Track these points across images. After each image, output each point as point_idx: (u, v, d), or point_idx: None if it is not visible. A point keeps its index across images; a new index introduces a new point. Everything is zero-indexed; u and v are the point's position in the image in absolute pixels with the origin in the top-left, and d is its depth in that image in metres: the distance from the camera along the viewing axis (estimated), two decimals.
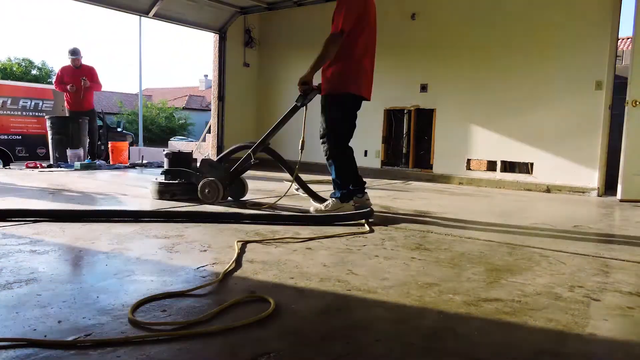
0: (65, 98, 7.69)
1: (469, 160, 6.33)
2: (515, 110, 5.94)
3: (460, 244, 2.71)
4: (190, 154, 4.27)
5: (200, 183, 3.78)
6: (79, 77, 7.39)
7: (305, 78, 3.44)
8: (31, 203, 3.61)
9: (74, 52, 7.51)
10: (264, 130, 8.65)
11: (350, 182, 3.54)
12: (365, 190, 3.59)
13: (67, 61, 7.57)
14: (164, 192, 3.97)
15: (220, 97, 7.96)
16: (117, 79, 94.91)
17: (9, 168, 7.08)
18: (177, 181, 4.01)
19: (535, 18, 5.77)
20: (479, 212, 4.01)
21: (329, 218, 3.24)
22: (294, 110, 3.64)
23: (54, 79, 8.16)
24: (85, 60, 7.60)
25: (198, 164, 4.03)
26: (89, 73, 7.52)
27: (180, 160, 4.11)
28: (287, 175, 6.44)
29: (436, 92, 6.60)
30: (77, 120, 7.48)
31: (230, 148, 4.13)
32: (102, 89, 8.15)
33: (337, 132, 3.47)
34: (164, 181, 4.04)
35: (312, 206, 3.62)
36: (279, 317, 1.55)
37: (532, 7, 5.80)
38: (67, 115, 7.60)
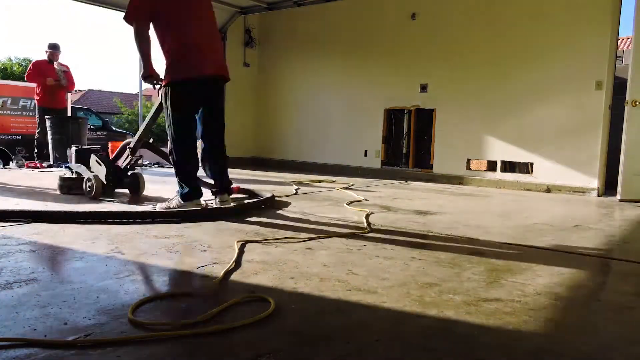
0: (37, 94, 7.33)
1: (469, 160, 6.32)
2: (515, 110, 5.93)
3: (460, 243, 2.71)
4: (91, 150, 4.50)
5: (85, 178, 3.96)
6: (54, 72, 7.15)
7: (145, 72, 3.43)
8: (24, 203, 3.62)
9: (55, 47, 7.27)
10: (264, 130, 8.61)
11: (192, 179, 3.40)
12: (220, 192, 3.52)
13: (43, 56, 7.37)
14: (62, 186, 4.17)
15: None
16: (117, 79, 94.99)
17: (9, 168, 7.08)
18: (74, 176, 4.17)
19: (535, 18, 5.77)
20: (479, 212, 4.01)
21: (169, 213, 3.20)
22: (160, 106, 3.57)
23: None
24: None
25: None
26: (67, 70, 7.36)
27: (84, 156, 4.29)
28: (287, 176, 6.45)
29: (436, 92, 6.59)
30: (78, 120, 7.45)
31: (121, 145, 4.17)
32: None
33: (171, 123, 3.38)
34: (65, 176, 4.23)
35: (159, 204, 3.53)
36: (278, 317, 1.55)
37: (532, 7, 5.80)
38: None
